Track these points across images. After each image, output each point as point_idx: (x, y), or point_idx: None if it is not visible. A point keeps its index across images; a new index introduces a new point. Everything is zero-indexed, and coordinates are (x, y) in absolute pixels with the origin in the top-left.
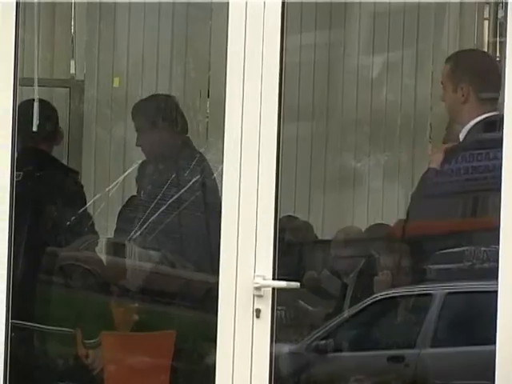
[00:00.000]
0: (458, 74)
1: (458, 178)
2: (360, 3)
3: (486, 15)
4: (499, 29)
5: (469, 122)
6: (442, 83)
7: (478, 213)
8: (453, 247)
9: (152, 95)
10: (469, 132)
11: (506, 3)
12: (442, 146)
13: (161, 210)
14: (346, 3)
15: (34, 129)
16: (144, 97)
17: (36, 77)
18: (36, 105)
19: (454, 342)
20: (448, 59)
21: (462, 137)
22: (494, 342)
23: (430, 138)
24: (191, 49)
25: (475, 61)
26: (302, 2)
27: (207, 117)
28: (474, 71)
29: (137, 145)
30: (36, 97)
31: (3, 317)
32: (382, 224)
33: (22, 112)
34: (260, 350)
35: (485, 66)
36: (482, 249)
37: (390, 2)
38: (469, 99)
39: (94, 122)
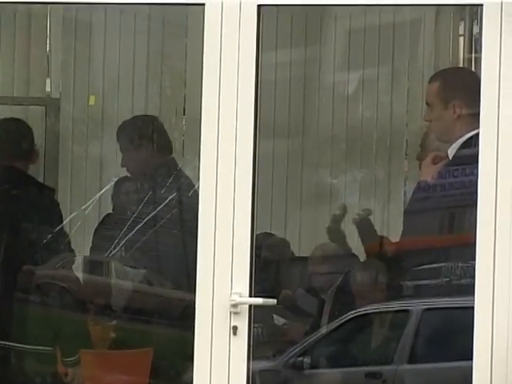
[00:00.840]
0: (448, 91)
1: (450, 192)
2: (335, 20)
3: (461, 32)
4: (474, 45)
5: (460, 137)
6: (427, 103)
7: (462, 227)
8: (432, 262)
9: (136, 116)
10: (461, 147)
11: (481, 20)
12: (432, 161)
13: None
14: (321, 20)
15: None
16: (120, 115)
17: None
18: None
19: (431, 357)
20: (433, 78)
21: (451, 152)
22: (471, 358)
23: (406, 154)
24: (167, 67)
25: (463, 78)
26: (277, 20)
27: (183, 134)
28: (463, 88)
29: (122, 165)
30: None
31: None
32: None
33: (2, 132)
34: (237, 366)
35: (472, 83)
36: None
37: (365, 19)
38: (460, 116)
39: (70, 140)
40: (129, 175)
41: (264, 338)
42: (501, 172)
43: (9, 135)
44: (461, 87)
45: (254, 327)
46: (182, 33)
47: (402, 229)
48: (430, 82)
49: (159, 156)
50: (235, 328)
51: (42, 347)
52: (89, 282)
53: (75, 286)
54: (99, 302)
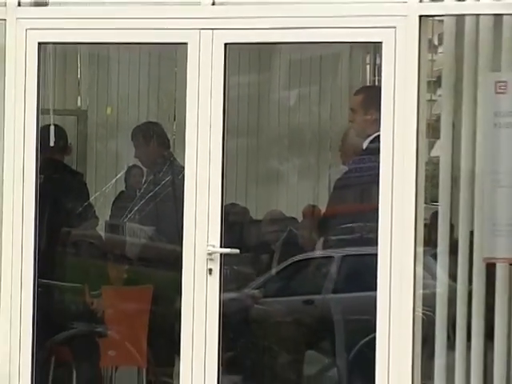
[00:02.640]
0: (368, 102)
1: (365, 174)
2: (280, 53)
3: (368, 61)
4: (377, 71)
5: (371, 135)
6: (352, 109)
7: (370, 198)
8: (354, 221)
9: (144, 123)
10: (371, 142)
11: (381, 53)
12: (355, 151)
13: (146, 198)
14: (270, 53)
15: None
16: (129, 121)
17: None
18: (52, 128)
19: (347, 289)
20: (358, 91)
21: (365, 145)
22: (376, 289)
23: (330, 147)
24: (162, 87)
25: (377, 93)
26: (239, 53)
27: (174, 134)
28: (376, 100)
29: (135, 157)
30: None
31: (31, 277)
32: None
33: (43, 133)
34: (212, 297)
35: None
36: (370, 224)
37: (301, 53)
38: (374, 119)
39: (94, 139)
40: (136, 163)
41: (231, 277)
42: (396, 159)
43: (51, 136)
44: (375, 99)
45: (224, 269)
46: (173, 63)
47: (328, 199)
48: (355, 94)
49: (161, 150)
50: (210, 270)
51: (75, 284)
52: (109, 239)
53: (99, 242)
54: (116, 252)
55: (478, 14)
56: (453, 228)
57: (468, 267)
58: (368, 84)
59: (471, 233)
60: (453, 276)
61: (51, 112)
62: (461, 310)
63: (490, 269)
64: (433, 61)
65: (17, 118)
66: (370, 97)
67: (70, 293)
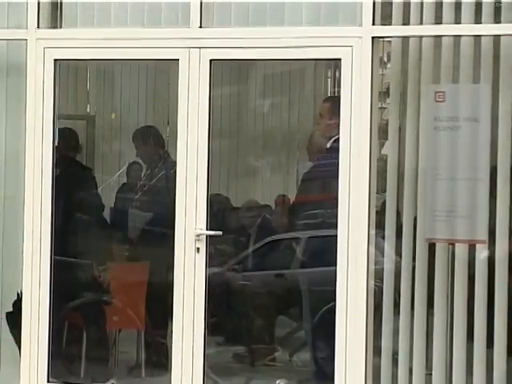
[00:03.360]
0: (333, 109)
1: (329, 169)
2: (256, 68)
3: (329, 75)
4: (337, 83)
5: (334, 136)
6: (320, 114)
7: (331, 189)
8: (317, 207)
9: (143, 126)
10: (333, 142)
11: (341, 68)
12: (322, 150)
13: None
14: (247, 68)
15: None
16: (131, 126)
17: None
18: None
19: (312, 265)
20: (326, 100)
21: (328, 145)
22: (335, 265)
23: (298, 147)
24: (158, 96)
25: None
26: (222, 67)
27: (168, 136)
28: (339, 108)
29: (136, 155)
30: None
31: (48, 253)
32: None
33: (59, 135)
34: (200, 272)
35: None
36: (331, 210)
37: (273, 68)
38: (337, 123)
39: (101, 140)
40: (136, 160)
41: (215, 254)
42: (352, 157)
43: (65, 137)
44: (339, 107)
45: (209, 248)
46: (166, 76)
47: (296, 190)
48: (324, 101)
49: (157, 149)
50: (198, 248)
51: (85, 260)
52: (114, 222)
53: (104, 225)
54: (118, 233)
55: (420, 36)
56: (399, 214)
57: (412, 246)
58: (329, 94)
59: (415, 218)
60: (399, 254)
61: (65, 117)
62: (406, 282)
63: (431, 247)
64: (383, 75)
65: (36, 123)
66: (336, 105)
67: (81, 267)
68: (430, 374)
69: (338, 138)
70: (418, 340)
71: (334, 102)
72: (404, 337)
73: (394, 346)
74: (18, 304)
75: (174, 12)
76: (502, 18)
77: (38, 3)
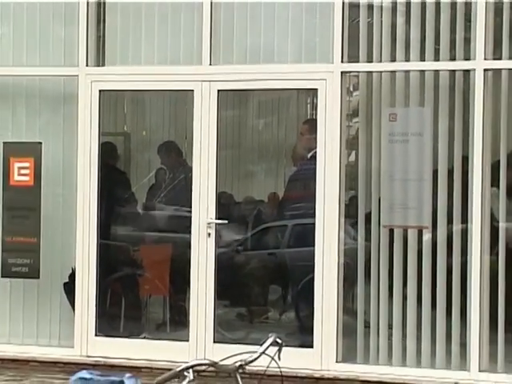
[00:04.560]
0: (311, 129)
1: (309, 174)
2: (253, 96)
3: (309, 101)
4: (314, 107)
5: (314, 149)
6: (301, 133)
7: (310, 188)
8: (300, 202)
9: (166, 141)
10: (313, 154)
11: (317, 96)
12: (304, 160)
13: (169, 189)
14: (246, 96)
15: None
16: (157, 140)
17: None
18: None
19: (296, 246)
20: (305, 122)
21: (309, 155)
22: (314, 245)
23: (285, 155)
24: (178, 118)
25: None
26: (227, 95)
27: (185, 148)
28: (314, 128)
29: (161, 164)
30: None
31: (95, 238)
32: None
33: (102, 147)
34: (210, 251)
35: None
36: (311, 204)
37: (266, 96)
38: (315, 139)
39: (135, 151)
40: (162, 167)
41: (222, 238)
42: (327, 163)
43: (107, 149)
44: (315, 128)
45: (217, 233)
46: (184, 102)
47: (284, 189)
48: (303, 123)
49: (177, 158)
50: (209, 234)
51: (122, 243)
52: (144, 214)
53: (137, 216)
54: (148, 222)
55: (379, 71)
56: (364, 206)
57: (374, 231)
58: (309, 116)
59: (379, 210)
60: (363, 237)
61: (107, 134)
62: (370, 258)
63: (389, 232)
64: (350, 101)
65: (86, 138)
66: (312, 125)
67: (120, 248)
68: (391, 328)
69: (315, 150)
70: (381, 303)
71: (312, 123)
72: (368, 300)
73: (359, 306)
74: (72, 276)
75: (189, 51)
76: (441, 57)
77: (87, 47)
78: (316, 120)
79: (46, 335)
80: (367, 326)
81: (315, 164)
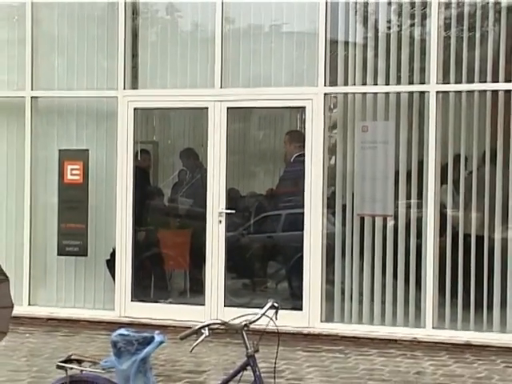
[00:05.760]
0: (292, 138)
1: (294, 173)
2: (253, 112)
3: (298, 117)
4: (303, 122)
5: (295, 154)
6: (284, 142)
7: (298, 185)
8: (291, 196)
9: (187, 148)
10: (296, 157)
11: (306, 113)
12: (289, 162)
13: (188, 185)
14: (250, 113)
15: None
16: (179, 147)
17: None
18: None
19: (289, 230)
20: (287, 134)
21: (292, 160)
22: (303, 230)
23: (279, 160)
24: (195, 130)
25: (297, 133)
26: (234, 112)
27: (202, 153)
28: (297, 137)
29: (183, 166)
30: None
31: (131, 226)
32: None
33: (137, 154)
34: (221, 235)
35: (303, 136)
36: (299, 197)
37: (264, 112)
38: (296, 148)
39: (162, 156)
40: (183, 168)
41: (230, 225)
42: (312, 165)
43: (142, 156)
44: (296, 137)
45: (227, 220)
46: (200, 117)
47: (278, 184)
48: (286, 134)
49: (195, 161)
50: (220, 221)
51: (152, 228)
52: (169, 205)
53: (164, 207)
54: (173, 212)
55: (353, 92)
56: (342, 198)
57: (349, 219)
58: (297, 129)
59: (353, 202)
60: (341, 224)
61: (140, 143)
62: (347, 241)
63: (361, 219)
64: (330, 116)
65: (123, 146)
66: (292, 136)
67: (150, 232)
68: (362, 295)
69: (298, 155)
70: (354, 275)
71: (292, 134)
72: (344, 273)
73: (337, 278)
74: (113, 254)
75: (204, 76)
76: (402, 82)
77: (124, 74)
78: (296, 131)
79: (93, 301)
80: (343, 293)
81: (298, 166)
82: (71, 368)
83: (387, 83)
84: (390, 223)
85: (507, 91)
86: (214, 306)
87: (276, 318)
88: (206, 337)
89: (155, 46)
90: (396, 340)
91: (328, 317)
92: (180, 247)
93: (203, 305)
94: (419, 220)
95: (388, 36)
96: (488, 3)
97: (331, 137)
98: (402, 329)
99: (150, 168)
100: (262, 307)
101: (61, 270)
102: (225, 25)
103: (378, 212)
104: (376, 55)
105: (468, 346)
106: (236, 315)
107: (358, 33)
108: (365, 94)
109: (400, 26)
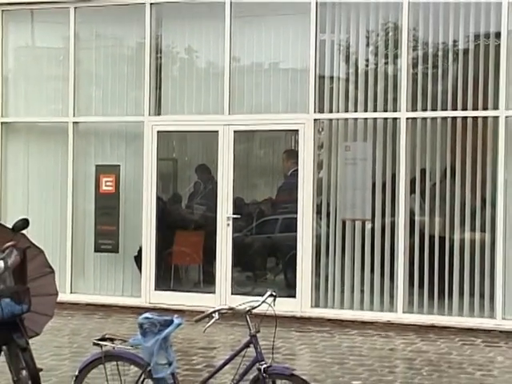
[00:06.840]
0: (288, 156)
1: (289, 185)
2: (254, 135)
3: (293, 139)
4: (296, 143)
5: (292, 169)
6: (282, 159)
7: (293, 194)
8: (287, 203)
9: (201, 164)
10: (292, 171)
11: (298, 135)
12: (286, 175)
13: (202, 195)
14: (253, 135)
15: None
16: (195, 164)
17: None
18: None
19: (285, 231)
20: (284, 152)
21: (289, 174)
22: (296, 231)
23: (278, 173)
24: (207, 149)
25: (292, 152)
26: (240, 134)
27: (213, 168)
28: (292, 155)
29: (198, 179)
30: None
31: (154, 226)
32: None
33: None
34: (229, 236)
35: (296, 154)
36: (293, 205)
37: (264, 135)
38: (292, 164)
39: (180, 171)
40: (198, 181)
41: (236, 227)
42: (304, 178)
43: (163, 169)
44: (291, 155)
45: (233, 223)
46: (212, 140)
47: (276, 194)
48: (283, 153)
49: (207, 175)
50: (228, 224)
51: (172, 230)
52: (186, 211)
53: (182, 212)
54: (189, 216)
55: (337, 119)
56: (328, 205)
57: (333, 222)
58: (292, 148)
59: (336, 208)
60: (327, 227)
61: (164, 159)
62: (332, 241)
63: (343, 223)
64: (319, 138)
65: (148, 163)
66: (289, 154)
67: (170, 234)
68: (344, 285)
69: (294, 170)
70: (336, 269)
71: (289, 152)
72: (330, 267)
73: (324, 271)
74: (140, 251)
75: (215, 104)
76: (377, 109)
77: (149, 102)
78: (292, 150)
79: (122, 289)
80: (329, 283)
81: (293, 179)
82: (105, 345)
83: (366, 110)
84: (368, 226)
85: (464, 118)
86: (223, 294)
87: (274, 305)
88: (216, 320)
89: (175, 80)
90: (373, 322)
91: (317, 303)
92: (195, 245)
93: (214, 293)
94: (392, 223)
95: (366, 72)
96: (448, 46)
97: (320, 155)
98: (378, 313)
99: (171, 181)
100: (263, 295)
101: (97, 264)
102: (232, 62)
103: (358, 217)
104: (356, 88)
105: (432, 327)
106: (241, 302)
107: (341, 69)
108: (347, 119)
109: (376, 63)
